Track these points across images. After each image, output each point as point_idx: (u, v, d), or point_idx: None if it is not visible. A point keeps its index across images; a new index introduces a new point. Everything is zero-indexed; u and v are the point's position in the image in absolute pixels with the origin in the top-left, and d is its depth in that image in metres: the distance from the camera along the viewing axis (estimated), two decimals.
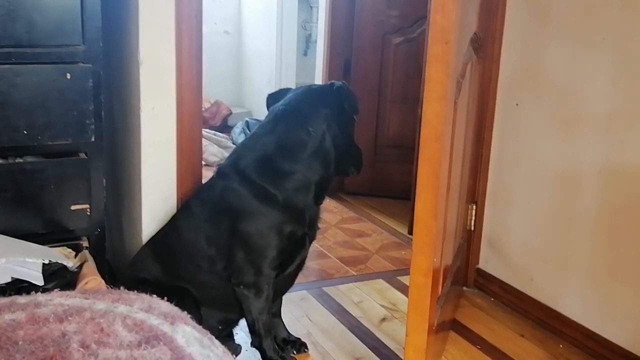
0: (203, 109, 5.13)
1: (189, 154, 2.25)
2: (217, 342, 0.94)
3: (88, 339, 0.77)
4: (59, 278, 1.80)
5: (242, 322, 2.14)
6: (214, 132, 5.13)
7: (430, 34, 1.73)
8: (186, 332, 0.85)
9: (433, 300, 1.90)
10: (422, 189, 1.80)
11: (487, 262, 2.78)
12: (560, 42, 2.35)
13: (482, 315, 2.59)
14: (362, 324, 2.49)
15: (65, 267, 1.85)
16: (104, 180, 2.10)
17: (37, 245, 1.93)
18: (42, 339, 0.76)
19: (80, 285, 1.73)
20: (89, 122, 1.99)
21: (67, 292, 0.92)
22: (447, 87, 1.74)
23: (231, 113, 5.67)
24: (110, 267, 2.33)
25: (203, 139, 2.46)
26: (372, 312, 2.58)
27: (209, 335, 0.93)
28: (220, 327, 2.09)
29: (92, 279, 1.76)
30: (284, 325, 2.26)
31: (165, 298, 0.98)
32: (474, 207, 2.74)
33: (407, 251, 3.17)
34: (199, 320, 1.91)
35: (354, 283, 2.84)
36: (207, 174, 2.20)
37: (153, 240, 2.13)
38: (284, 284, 2.10)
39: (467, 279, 2.82)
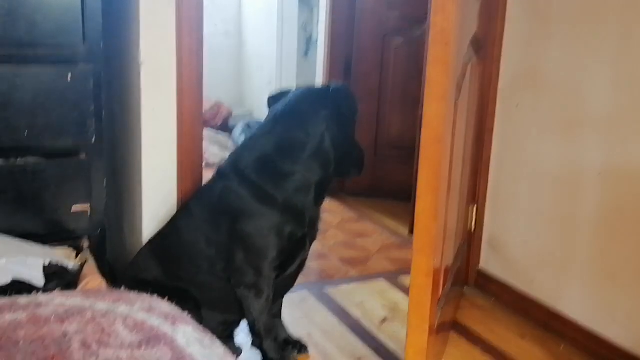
0: (204, 110, 5.13)
1: (189, 154, 2.25)
2: (218, 342, 0.94)
3: (89, 339, 0.77)
4: (60, 278, 1.80)
5: (243, 324, 2.14)
6: (214, 132, 5.13)
7: (430, 35, 1.73)
8: (187, 333, 0.85)
9: (434, 301, 1.90)
10: (423, 190, 1.80)
11: (488, 262, 2.78)
12: (561, 44, 2.35)
13: (482, 316, 2.59)
14: (362, 324, 2.48)
15: (65, 267, 1.85)
16: (105, 181, 2.10)
17: (37, 245, 1.93)
18: (43, 339, 0.77)
19: (81, 286, 1.73)
20: (90, 123, 1.99)
21: (68, 293, 0.92)
22: (447, 88, 1.74)
23: (232, 114, 5.67)
24: (111, 267, 2.33)
25: (204, 140, 2.46)
26: (373, 312, 2.58)
27: (210, 335, 0.93)
28: (221, 329, 2.09)
29: (92, 279, 1.76)
30: (284, 326, 2.26)
31: (166, 299, 0.98)
32: (475, 207, 2.74)
33: (407, 252, 3.17)
34: (200, 321, 1.91)
35: (354, 284, 2.84)
36: (207, 175, 2.20)
37: (153, 240, 2.13)
38: (285, 284, 2.10)
39: (467, 279, 2.82)
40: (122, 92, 2.36)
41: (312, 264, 2.99)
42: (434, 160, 1.77)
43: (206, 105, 5.37)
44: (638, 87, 2.10)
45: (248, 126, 5.10)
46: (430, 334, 1.90)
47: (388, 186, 3.97)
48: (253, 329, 2.01)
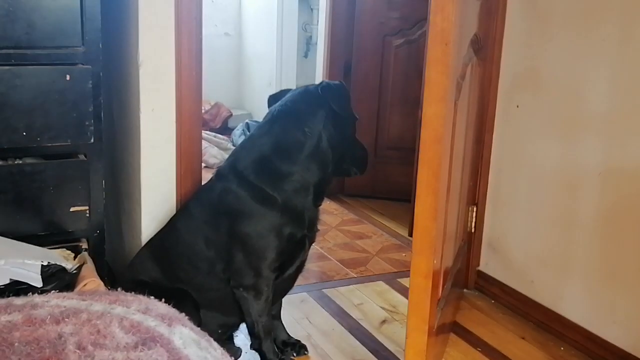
0: (203, 111, 5.14)
1: (188, 155, 2.25)
2: (215, 344, 0.93)
3: (84, 340, 0.77)
4: (58, 280, 1.79)
5: (243, 325, 2.14)
6: (214, 134, 5.13)
7: (430, 35, 1.73)
8: (183, 334, 0.84)
9: (433, 302, 1.90)
10: (422, 191, 1.80)
11: (488, 264, 2.77)
12: (561, 44, 2.35)
13: (482, 318, 2.58)
14: (362, 326, 2.48)
15: (64, 268, 1.85)
16: (104, 182, 2.09)
17: (36, 246, 1.92)
18: (38, 341, 0.76)
19: (79, 287, 1.72)
20: (89, 124, 1.99)
21: (64, 294, 0.91)
22: (447, 89, 1.74)
23: (231, 115, 5.67)
24: (110, 268, 2.33)
25: (203, 141, 2.46)
26: (372, 314, 2.58)
27: (207, 337, 0.93)
28: (220, 331, 2.08)
29: (91, 280, 1.75)
30: (283, 327, 2.26)
31: (165, 300, 0.98)
32: (475, 209, 2.74)
33: (407, 253, 3.16)
34: (198, 322, 1.91)
35: (354, 285, 2.84)
36: (206, 176, 2.20)
37: (152, 242, 2.13)
38: (284, 286, 2.10)
39: (467, 281, 2.81)
40: (121, 93, 2.36)
41: (312, 265, 2.98)
42: (433, 161, 1.77)
43: (206, 106, 5.38)
44: (638, 87, 2.09)
45: (248, 127, 5.10)
46: (429, 335, 1.90)
47: (388, 187, 3.97)
48: (252, 331, 2.01)
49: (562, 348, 2.36)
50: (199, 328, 0.94)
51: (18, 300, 0.87)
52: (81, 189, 2.03)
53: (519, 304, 2.59)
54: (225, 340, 2.17)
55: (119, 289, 1.00)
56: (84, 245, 2.07)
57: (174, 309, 0.92)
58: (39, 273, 1.77)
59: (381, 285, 2.86)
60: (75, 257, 1.96)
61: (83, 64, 1.97)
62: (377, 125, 3.97)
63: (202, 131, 2.40)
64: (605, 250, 2.24)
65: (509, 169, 2.62)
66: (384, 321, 2.52)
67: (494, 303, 2.70)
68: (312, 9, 5.53)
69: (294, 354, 2.22)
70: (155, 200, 2.24)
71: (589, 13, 2.24)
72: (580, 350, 2.33)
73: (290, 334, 2.27)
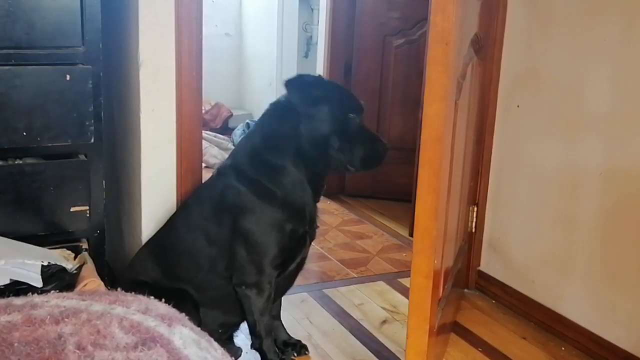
0: (204, 111, 5.13)
1: (188, 155, 2.25)
2: (215, 344, 0.93)
3: (84, 340, 0.76)
4: (58, 280, 1.79)
5: (243, 325, 2.13)
6: (214, 134, 5.13)
7: (430, 35, 1.73)
8: (183, 334, 0.84)
9: (434, 302, 1.90)
10: (423, 191, 1.79)
11: (488, 264, 2.77)
12: (561, 44, 2.34)
13: (483, 318, 2.58)
14: (362, 326, 2.48)
15: (64, 269, 1.85)
16: (104, 182, 2.09)
17: (36, 247, 1.92)
18: (37, 341, 0.76)
19: (79, 287, 1.72)
20: (89, 124, 1.99)
21: (64, 294, 0.91)
22: (448, 88, 1.74)
23: (232, 115, 5.67)
24: (110, 268, 2.33)
25: (203, 141, 2.45)
26: (373, 314, 2.58)
27: (207, 337, 0.92)
28: (220, 331, 2.08)
29: (91, 280, 1.75)
30: (284, 327, 2.25)
31: (165, 300, 0.97)
32: (475, 208, 2.73)
33: (407, 253, 3.16)
34: (198, 322, 1.91)
35: (354, 285, 2.84)
36: (207, 176, 2.20)
37: (151, 241, 2.13)
38: (285, 283, 2.10)
39: (468, 281, 2.81)
40: (121, 93, 2.36)
41: (312, 265, 2.98)
42: (434, 161, 1.77)
43: (206, 106, 5.38)
44: (639, 87, 2.09)
45: (248, 127, 5.10)
46: (430, 335, 1.90)
47: (388, 187, 3.96)
48: (253, 330, 2.01)
49: (562, 348, 2.36)
50: (199, 328, 0.94)
51: (18, 301, 0.87)
52: (81, 189, 2.03)
53: (520, 304, 2.59)
54: (226, 340, 2.17)
55: (118, 289, 1.00)
56: (84, 246, 2.06)
57: (173, 309, 0.92)
58: (39, 273, 1.76)
59: (382, 285, 2.85)
60: (75, 257, 1.96)
61: (83, 64, 1.97)
62: (377, 125, 3.96)
63: (203, 131, 2.39)
64: (606, 250, 2.24)
65: (509, 169, 2.62)
66: (384, 321, 2.52)
67: (495, 303, 2.69)
68: (312, 9, 5.52)
69: (295, 354, 2.22)
70: (156, 200, 2.24)
71: (590, 13, 2.24)
72: (581, 351, 2.32)
73: (290, 334, 2.27)
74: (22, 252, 1.84)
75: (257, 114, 5.52)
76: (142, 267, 2.07)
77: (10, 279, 1.71)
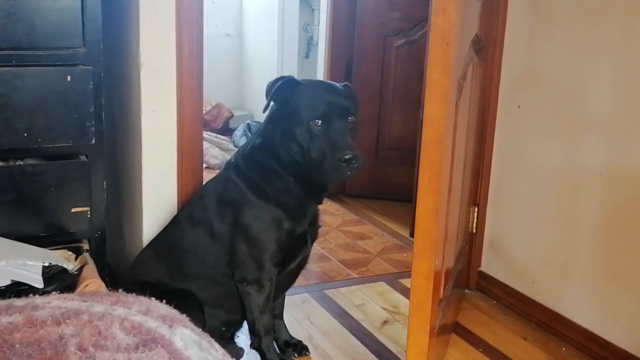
0: (204, 112, 5.13)
1: (189, 156, 2.25)
2: (216, 345, 0.93)
3: (85, 341, 0.77)
4: (59, 281, 1.79)
5: (245, 326, 2.13)
6: (215, 134, 5.13)
7: (431, 35, 1.73)
8: (184, 335, 0.84)
9: (434, 302, 1.89)
10: (423, 191, 1.79)
11: (489, 264, 2.77)
12: (562, 44, 2.34)
13: (484, 318, 2.58)
14: (363, 326, 2.48)
15: (65, 269, 1.85)
16: (105, 183, 2.09)
17: (37, 247, 1.92)
18: (39, 342, 0.76)
19: (80, 288, 1.72)
20: (90, 125, 1.99)
21: (65, 295, 0.91)
22: (448, 89, 1.74)
23: (233, 115, 5.67)
24: (111, 269, 2.33)
25: (204, 142, 2.45)
26: (374, 314, 2.58)
27: (208, 338, 0.92)
28: (224, 329, 2.10)
29: (92, 281, 1.75)
30: (285, 327, 2.26)
31: (169, 301, 0.98)
32: (476, 209, 2.73)
33: (408, 254, 3.16)
34: (203, 324, 1.92)
35: (355, 286, 2.84)
36: (208, 177, 2.20)
37: (155, 241, 2.14)
38: (286, 281, 2.10)
39: (469, 281, 2.81)
40: (122, 94, 2.36)
41: (313, 266, 2.98)
42: (434, 162, 1.77)
43: (207, 106, 5.38)
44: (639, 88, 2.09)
45: (249, 128, 5.10)
46: (431, 336, 1.89)
47: (389, 188, 3.97)
48: (252, 328, 2.01)
49: (563, 349, 2.36)
50: (200, 329, 0.94)
51: (19, 302, 0.87)
52: (82, 189, 2.03)
53: (521, 304, 2.59)
54: (228, 340, 2.18)
55: (120, 290, 1.00)
56: (85, 246, 2.07)
57: (175, 310, 0.92)
58: (40, 274, 1.77)
59: (382, 285, 2.85)
60: (76, 258, 1.96)
61: (84, 65, 1.97)
62: (378, 126, 3.97)
63: (203, 132, 2.39)
64: (606, 250, 2.24)
65: (510, 170, 2.62)
66: (385, 322, 2.52)
67: (496, 303, 2.69)
68: (313, 10, 5.52)
69: (295, 355, 2.22)
70: (157, 201, 2.24)
71: (591, 13, 2.24)
72: (582, 351, 2.32)
73: (291, 335, 2.27)
74: (23, 253, 1.84)
75: (258, 115, 5.56)
76: (146, 267, 2.08)
77: (12, 280, 1.71)
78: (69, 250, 2.01)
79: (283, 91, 1.88)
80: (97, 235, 2.10)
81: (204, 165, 2.67)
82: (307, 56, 5.60)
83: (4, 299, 0.91)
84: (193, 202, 2.10)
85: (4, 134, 1.90)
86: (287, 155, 1.90)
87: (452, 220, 2.11)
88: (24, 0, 1.86)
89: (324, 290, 2.77)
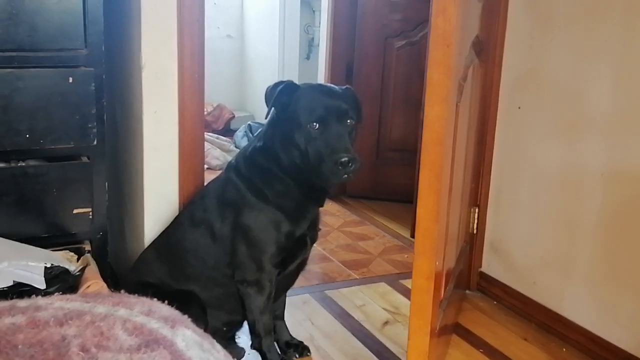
0: (206, 113, 5.13)
1: (191, 157, 2.25)
2: (218, 346, 0.93)
3: (88, 342, 0.77)
4: (61, 282, 1.80)
5: (246, 326, 2.14)
6: (216, 135, 5.14)
7: (431, 37, 1.73)
8: (186, 336, 0.84)
9: (435, 303, 1.90)
10: (424, 192, 1.80)
11: (490, 265, 2.77)
12: (563, 45, 2.35)
13: (484, 319, 2.58)
14: (364, 327, 2.48)
15: (67, 270, 1.85)
16: (106, 184, 2.10)
17: (39, 249, 1.93)
18: (41, 343, 0.76)
19: (82, 289, 1.73)
20: (91, 126, 1.99)
21: (68, 296, 0.92)
22: (449, 90, 1.74)
23: (234, 117, 5.68)
24: (113, 270, 2.33)
25: (205, 143, 2.46)
26: (375, 315, 2.58)
27: (210, 339, 0.93)
28: (225, 329, 2.10)
29: (94, 282, 1.76)
30: (286, 328, 2.26)
31: (171, 302, 0.98)
32: (477, 210, 2.74)
33: (409, 254, 3.16)
34: (205, 325, 1.93)
35: (356, 286, 2.84)
36: (209, 178, 2.21)
37: (157, 241, 2.14)
38: (285, 281, 2.11)
39: (469, 282, 2.81)
40: (123, 95, 2.36)
41: (314, 266, 2.99)
42: (435, 163, 1.77)
43: (208, 108, 5.38)
44: None
45: (250, 129, 5.10)
46: (432, 336, 1.90)
47: (390, 188, 3.97)
48: (253, 329, 2.02)
49: (564, 349, 2.36)
50: (202, 330, 0.94)
51: (21, 303, 0.87)
52: (84, 191, 2.04)
53: (521, 305, 2.59)
54: (229, 340, 2.18)
55: (122, 290, 1.00)
56: (87, 247, 2.07)
57: (177, 311, 0.92)
58: (42, 275, 1.77)
59: (383, 286, 2.86)
60: (78, 259, 1.97)
61: (86, 67, 1.97)
62: (379, 127, 3.97)
63: (205, 133, 2.40)
64: (607, 251, 2.24)
65: (511, 170, 2.62)
66: (386, 322, 2.53)
67: (496, 304, 2.70)
68: (314, 11, 5.53)
69: (297, 355, 2.23)
70: (158, 202, 2.24)
71: (591, 14, 2.24)
72: (583, 352, 2.32)
73: (293, 335, 2.27)
74: (25, 254, 1.84)
75: (259, 116, 5.57)
76: (148, 268, 2.08)
77: (14, 281, 1.72)
78: (70, 251, 2.02)
79: (282, 96, 1.89)
80: (98, 236, 2.11)
81: (205, 166, 2.68)
82: (308, 57, 5.61)
83: (7, 300, 0.92)
84: (194, 202, 2.11)
85: (6, 135, 1.91)
86: (287, 159, 1.90)
87: (452, 221, 2.12)
88: (26, 2, 1.87)
89: (325, 291, 2.77)
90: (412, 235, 3.31)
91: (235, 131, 5.34)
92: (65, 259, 1.92)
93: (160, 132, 2.20)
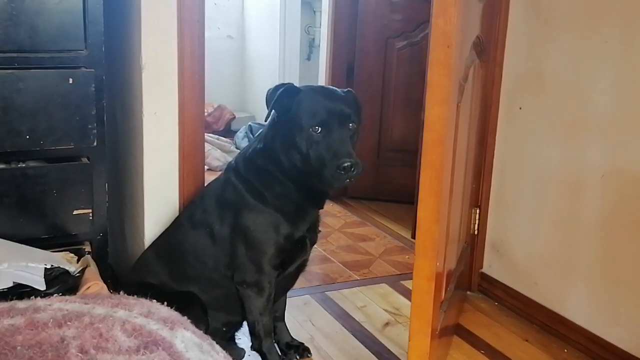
0: (206, 114, 5.14)
1: (191, 158, 2.25)
2: (217, 347, 0.93)
3: (87, 344, 0.77)
4: (61, 283, 1.80)
5: (246, 326, 2.14)
6: (217, 136, 5.14)
7: (432, 37, 1.73)
8: (185, 337, 0.84)
9: (436, 304, 1.89)
10: (425, 193, 1.79)
11: (491, 266, 2.77)
12: (564, 46, 2.34)
13: (486, 320, 2.58)
14: (365, 328, 2.48)
15: (67, 271, 1.85)
16: (107, 185, 2.10)
17: (39, 250, 1.93)
18: (40, 344, 0.76)
19: (82, 290, 1.73)
20: (92, 127, 1.99)
21: (67, 297, 0.92)
22: (450, 91, 1.74)
23: (234, 117, 5.67)
24: (113, 271, 2.33)
25: (206, 144, 2.46)
26: (376, 316, 2.57)
27: (209, 340, 0.93)
28: (224, 330, 2.10)
29: (94, 283, 1.75)
30: (287, 329, 2.26)
31: (172, 303, 0.98)
32: (478, 211, 2.73)
33: (410, 255, 3.16)
34: (206, 326, 1.92)
35: (357, 287, 2.84)
36: (209, 179, 2.21)
37: (157, 242, 2.14)
38: (285, 283, 2.11)
39: (470, 283, 2.80)
40: (123, 96, 2.36)
41: (315, 267, 2.98)
42: (436, 163, 1.77)
43: (208, 108, 5.38)
44: None
45: (251, 129, 5.10)
46: (432, 337, 1.89)
47: (391, 189, 3.96)
48: (253, 330, 2.02)
49: (565, 350, 2.36)
50: (202, 332, 0.94)
51: (21, 304, 0.87)
52: (84, 192, 2.04)
53: (523, 306, 2.58)
54: (228, 341, 2.18)
55: (121, 292, 1.00)
56: (87, 248, 2.07)
57: (176, 313, 0.92)
58: (42, 276, 1.77)
59: (384, 287, 2.85)
60: (78, 260, 1.97)
61: (86, 67, 1.97)
62: (379, 128, 3.97)
63: (205, 134, 2.40)
64: (608, 252, 2.24)
65: (512, 171, 2.62)
66: (387, 324, 2.52)
67: (497, 305, 2.69)
68: (314, 12, 5.53)
69: (297, 356, 2.22)
70: (158, 203, 2.24)
71: (592, 15, 2.24)
72: (584, 353, 2.32)
73: (293, 337, 2.27)
74: (25, 255, 1.84)
75: (260, 117, 5.57)
76: (148, 269, 2.08)
77: (14, 282, 1.72)
78: (70, 252, 2.01)
79: (283, 99, 1.88)
80: (99, 237, 2.10)
81: (206, 167, 2.67)
82: (308, 58, 5.60)
83: (6, 301, 0.92)
84: (194, 203, 2.11)
85: (6, 136, 1.91)
86: (287, 161, 1.90)
87: (453, 221, 2.11)
88: (26, 2, 1.87)
89: (326, 292, 2.77)
90: (413, 236, 3.30)
91: (235, 132, 5.33)
92: (65, 260, 1.92)
93: (161, 133, 2.20)
